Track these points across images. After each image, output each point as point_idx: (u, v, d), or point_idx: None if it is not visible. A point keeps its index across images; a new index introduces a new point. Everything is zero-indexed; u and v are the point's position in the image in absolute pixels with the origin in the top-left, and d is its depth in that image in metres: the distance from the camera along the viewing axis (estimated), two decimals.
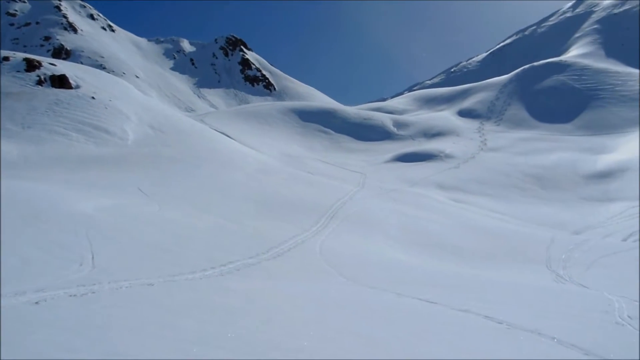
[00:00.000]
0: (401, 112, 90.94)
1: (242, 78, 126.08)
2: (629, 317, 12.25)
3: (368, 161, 59.26)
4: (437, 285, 15.02)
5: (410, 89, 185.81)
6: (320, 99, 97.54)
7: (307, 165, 48.83)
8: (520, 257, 25.94)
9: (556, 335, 8.75)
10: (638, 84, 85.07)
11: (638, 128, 68.61)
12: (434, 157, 59.98)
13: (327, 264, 17.11)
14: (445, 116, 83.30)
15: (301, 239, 20.79)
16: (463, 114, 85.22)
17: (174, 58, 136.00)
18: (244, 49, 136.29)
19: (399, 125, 76.46)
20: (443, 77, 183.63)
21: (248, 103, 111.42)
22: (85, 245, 12.94)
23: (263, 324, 7.98)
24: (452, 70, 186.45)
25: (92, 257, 12.02)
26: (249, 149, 46.17)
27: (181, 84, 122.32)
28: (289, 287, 12.73)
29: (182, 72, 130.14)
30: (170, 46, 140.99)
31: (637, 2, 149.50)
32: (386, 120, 77.74)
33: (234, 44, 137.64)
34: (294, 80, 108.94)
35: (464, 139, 69.53)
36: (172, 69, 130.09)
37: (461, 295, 12.93)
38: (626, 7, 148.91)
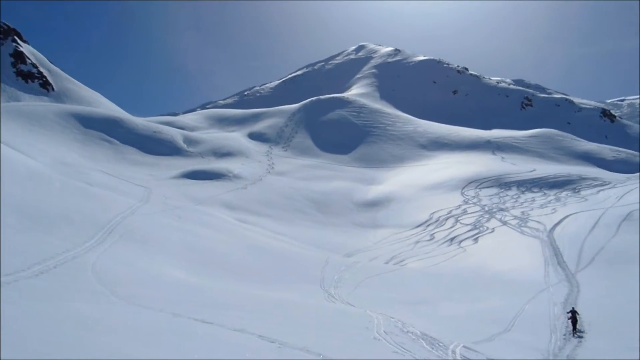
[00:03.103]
0: (192, 129, 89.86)
1: (14, 72, 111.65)
2: (384, 332, 13.68)
3: (154, 176, 57.02)
4: (215, 305, 14.94)
5: (203, 107, 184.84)
6: (106, 106, 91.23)
7: (85, 175, 45.06)
8: (298, 277, 27.30)
9: (322, 352, 9.31)
10: (404, 126, 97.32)
11: (402, 164, 78.28)
12: (223, 176, 60.33)
13: (99, 283, 15.84)
14: (236, 137, 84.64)
15: (72, 255, 18.95)
16: (253, 136, 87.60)
17: None
18: (18, 41, 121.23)
19: (189, 141, 75.37)
20: (237, 98, 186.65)
21: (19, 101, 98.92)
22: None
23: (13, 352, 6.99)
24: (246, 93, 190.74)
25: None
26: (16, 152, 40.91)
27: None
28: (50, 309, 11.41)
29: None
30: None
31: (408, 55, 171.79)
32: (176, 135, 76.01)
33: (5, 33, 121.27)
34: (77, 82, 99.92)
35: (253, 161, 71.38)
36: None
37: (239, 314, 13.04)
38: (398, 57, 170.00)
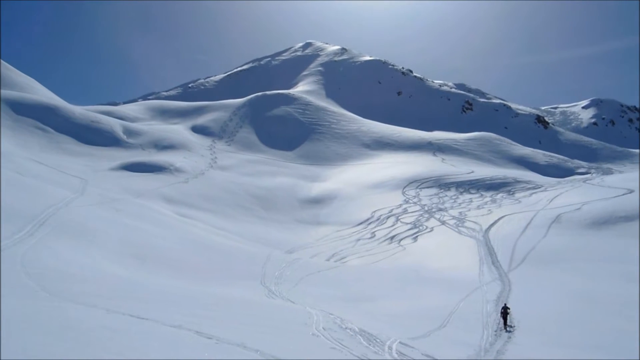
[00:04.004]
0: (133, 120, 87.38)
1: None
2: (323, 328, 13.76)
3: (91, 167, 55.06)
4: (152, 301, 14.58)
5: (145, 98, 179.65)
6: (41, 93, 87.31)
7: (16, 164, 42.90)
8: (239, 273, 27.05)
9: (260, 348, 9.25)
10: (349, 125, 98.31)
11: (346, 162, 79.04)
12: (164, 169, 58.97)
13: (27, 277, 15.12)
14: (179, 130, 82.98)
15: None
16: (197, 130, 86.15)
17: None
18: None
19: (129, 132, 73.23)
20: (180, 90, 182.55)
21: None
22: None
23: None
24: (190, 85, 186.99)
25: None
26: None
27: None
28: None
29: None
30: None
31: (354, 54, 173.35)
32: (116, 125, 73.68)
33: None
34: (11, 67, 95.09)
35: (195, 155, 70.16)
36: None
37: (176, 310, 12.77)
38: (345, 57, 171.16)
